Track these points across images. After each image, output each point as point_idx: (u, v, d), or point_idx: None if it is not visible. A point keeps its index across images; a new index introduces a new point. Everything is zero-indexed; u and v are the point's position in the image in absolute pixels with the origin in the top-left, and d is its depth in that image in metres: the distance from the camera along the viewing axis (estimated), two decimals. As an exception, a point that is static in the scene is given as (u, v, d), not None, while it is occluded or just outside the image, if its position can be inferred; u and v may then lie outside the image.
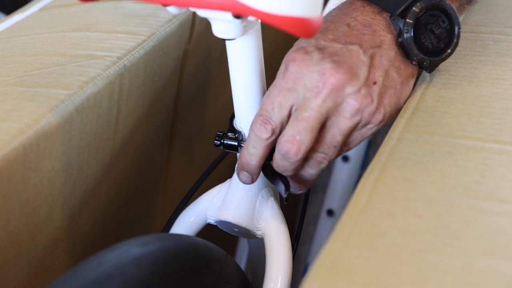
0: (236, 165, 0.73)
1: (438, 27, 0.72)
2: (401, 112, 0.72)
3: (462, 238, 0.56)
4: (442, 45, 0.73)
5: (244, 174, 0.72)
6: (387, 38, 0.71)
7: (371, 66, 0.69)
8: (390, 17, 0.71)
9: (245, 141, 0.74)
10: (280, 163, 0.69)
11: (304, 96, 0.68)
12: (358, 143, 0.71)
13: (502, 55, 0.82)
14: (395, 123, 0.71)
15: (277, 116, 0.69)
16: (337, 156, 0.71)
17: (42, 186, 0.73)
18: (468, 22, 0.90)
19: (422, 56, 0.71)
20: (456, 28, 0.73)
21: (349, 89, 0.68)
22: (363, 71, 0.68)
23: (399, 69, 0.71)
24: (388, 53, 0.70)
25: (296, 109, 0.68)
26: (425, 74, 0.78)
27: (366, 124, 0.70)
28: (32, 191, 0.72)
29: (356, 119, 0.69)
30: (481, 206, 0.59)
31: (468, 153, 0.66)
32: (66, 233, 0.80)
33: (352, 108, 0.68)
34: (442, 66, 0.79)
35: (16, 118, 0.70)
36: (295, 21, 0.57)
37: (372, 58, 0.69)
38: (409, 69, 0.72)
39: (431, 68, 0.74)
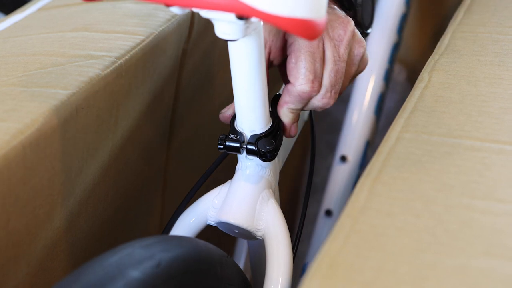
0: (287, 123, 0.76)
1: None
2: (400, 112, 0.72)
3: (461, 237, 0.57)
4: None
5: (295, 127, 0.77)
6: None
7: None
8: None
9: (246, 142, 0.74)
10: (311, 107, 0.75)
11: (329, 46, 0.73)
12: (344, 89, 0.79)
13: (501, 55, 0.82)
14: (393, 123, 0.71)
15: (320, 69, 0.73)
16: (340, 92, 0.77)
17: (41, 186, 0.73)
18: (467, 22, 0.90)
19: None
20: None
21: (357, 35, 0.75)
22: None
23: None
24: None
25: (327, 58, 0.73)
26: (423, 74, 0.78)
27: (358, 73, 0.78)
28: (32, 191, 0.72)
29: (357, 65, 0.76)
30: (480, 206, 0.60)
31: (466, 152, 0.66)
32: (65, 233, 0.80)
33: (360, 55, 0.76)
34: (441, 66, 0.79)
35: (15, 118, 0.70)
36: (299, 22, 0.57)
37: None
38: None
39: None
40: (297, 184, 1.54)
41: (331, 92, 0.73)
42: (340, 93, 0.76)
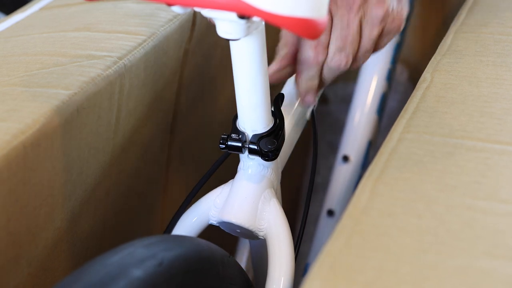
0: (302, 91, 0.79)
1: None
2: (402, 112, 0.72)
3: (462, 238, 0.56)
4: None
5: (311, 96, 0.80)
6: None
7: None
8: None
9: (248, 141, 0.74)
10: (327, 75, 0.78)
11: (336, 13, 0.75)
12: (383, 47, 0.80)
13: (503, 56, 0.82)
14: (395, 123, 0.71)
15: (325, 36, 0.75)
16: (366, 58, 0.79)
17: (42, 186, 0.73)
18: (469, 23, 0.90)
19: None
20: None
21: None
22: None
23: None
24: None
25: (333, 26, 0.75)
26: (425, 74, 0.78)
27: (389, 32, 0.78)
28: (32, 191, 0.72)
29: (382, 25, 0.76)
30: (482, 206, 0.59)
31: (468, 153, 0.66)
32: (66, 233, 0.80)
33: (378, 17, 0.76)
34: (443, 66, 0.79)
35: (16, 118, 0.70)
36: (300, 21, 0.57)
37: None
38: None
39: None
40: (298, 184, 1.54)
41: (340, 53, 0.75)
42: (367, 57, 0.78)
